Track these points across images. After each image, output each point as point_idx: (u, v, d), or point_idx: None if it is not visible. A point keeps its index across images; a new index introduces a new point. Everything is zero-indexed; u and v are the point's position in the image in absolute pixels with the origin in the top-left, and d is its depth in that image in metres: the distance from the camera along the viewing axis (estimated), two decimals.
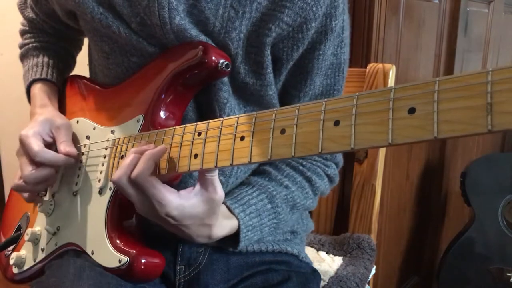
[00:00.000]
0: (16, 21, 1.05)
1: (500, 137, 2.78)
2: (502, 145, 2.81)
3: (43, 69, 0.96)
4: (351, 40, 0.89)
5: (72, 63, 1.07)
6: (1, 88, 1.58)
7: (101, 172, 0.81)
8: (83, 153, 0.87)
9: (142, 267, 0.72)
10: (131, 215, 0.79)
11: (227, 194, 0.83)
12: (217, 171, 0.68)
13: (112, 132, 0.82)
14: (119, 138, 0.80)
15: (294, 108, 0.55)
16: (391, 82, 1.25)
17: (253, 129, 0.58)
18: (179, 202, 0.68)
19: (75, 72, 1.06)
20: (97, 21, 0.79)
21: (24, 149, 0.83)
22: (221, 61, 0.74)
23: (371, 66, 1.27)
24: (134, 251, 0.73)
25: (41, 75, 0.96)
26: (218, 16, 0.76)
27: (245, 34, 0.78)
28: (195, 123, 0.67)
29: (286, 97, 0.87)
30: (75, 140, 0.90)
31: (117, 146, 0.79)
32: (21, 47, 1.03)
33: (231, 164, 0.60)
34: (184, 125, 0.68)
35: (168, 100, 0.78)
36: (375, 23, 1.49)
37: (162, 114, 0.78)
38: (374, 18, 1.48)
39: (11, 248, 0.97)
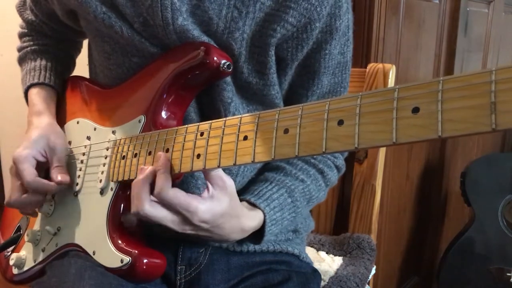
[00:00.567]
0: (16, 21, 1.05)
1: (500, 137, 2.78)
2: (502, 145, 2.81)
3: (40, 73, 0.96)
4: None
5: (71, 65, 1.07)
6: (1, 88, 1.58)
7: (102, 173, 0.80)
8: (83, 154, 0.87)
9: (144, 267, 0.72)
10: None
11: (243, 192, 0.83)
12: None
13: (113, 132, 0.82)
14: (120, 139, 0.80)
15: (297, 108, 0.55)
16: (391, 82, 1.25)
17: (256, 129, 0.58)
18: (206, 204, 0.68)
19: (75, 72, 1.06)
20: (99, 20, 0.79)
21: (17, 173, 0.84)
22: (223, 61, 0.74)
23: (371, 66, 1.27)
24: (136, 251, 0.73)
25: (38, 79, 0.95)
26: (222, 17, 0.76)
27: (248, 34, 0.78)
28: (198, 123, 0.67)
29: (294, 97, 0.87)
30: (75, 141, 0.90)
31: (118, 147, 0.79)
32: (19, 50, 1.03)
33: (234, 164, 0.60)
34: (186, 125, 0.68)
35: (169, 101, 0.78)
36: (375, 23, 1.49)
37: (163, 114, 0.78)
38: (374, 18, 1.48)
39: (10, 248, 0.97)
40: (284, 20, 0.77)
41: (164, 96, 0.77)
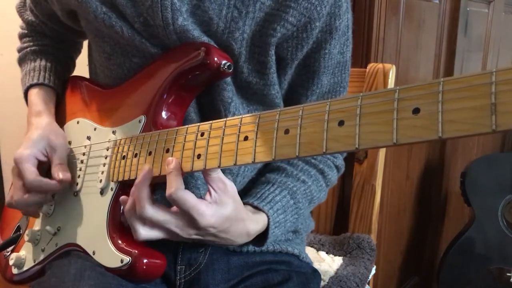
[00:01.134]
0: (16, 21, 1.05)
1: (500, 137, 2.78)
2: (502, 145, 2.81)
3: (40, 73, 0.96)
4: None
5: (71, 66, 1.07)
6: (1, 88, 1.58)
7: (102, 173, 0.80)
8: (84, 154, 0.87)
9: (144, 267, 0.72)
10: None
11: (247, 194, 0.83)
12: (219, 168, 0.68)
13: (114, 132, 0.82)
14: (121, 139, 0.80)
15: (298, 108, 0.55)
16: (391, 82, 1.25)
17: (257, 129, 0.58)
18: (213, 209, 0.68)
19: (75, 73, 1.06)
20: (100, 20, 0.79)
21: (19, 172, 0.84)
22: (223, 62, 0.74)
23: (371, 66, 1.27)
24: (136, 251, 0.73)
25: (38, 80, 0.95)
26: (222, 17, 0.76)
27: (248, 34, 0.78)
28: (198, 124, 0.67)
29: (294, 96, 0.87)
30: (75, 141, 0.90)
31: (118, 147, 0.79)
32: (19, 51, 1.03)
33: (235, 164, 0.60)
34: (187, 126, 0.68)
35: (170, 101, 0.78)
36: (375, 23, 1.49)
37: (163, 114, 0.78)
38: (374, 18, 1.48)
39: (10, 248, 0.97)
40: (284, 19, 0.77)
41: (165, 96, 0.77)
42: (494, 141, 2.74)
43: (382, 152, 1.29)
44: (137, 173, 0.73)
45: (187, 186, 0.80)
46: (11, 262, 0.92)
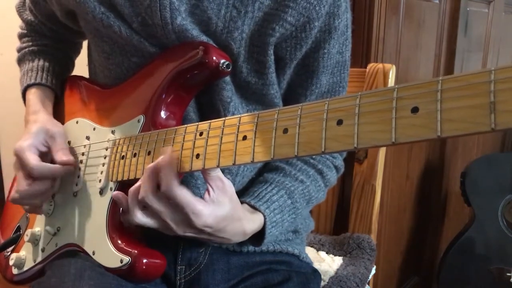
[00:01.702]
0: (16, 21, 1.05)
1: (500, 137, 2.78)
2: (502, 145, 2.81)
3: (37, 73, 0.96)
4: (351, 40, 0.89)
5: (70, 66, 1.07)
6: (1, 88, 1.58)
7: (101, 173, 0.80)
8: (83, 154, 0.87)
9: (144, 267, 0.72)
10: None
11: (242, 192, 0.83)
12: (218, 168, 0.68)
13: (113, 132, 0.82)
14: (120, 139, 0.80)
15: (296, 107, 0.54)
16: (391, 82, 1.25)
17: (256, 128, 0.58)
18: (210, 209, 0.67)
19: (74, 72, 1.06)
20: (98, 20, 0.79)
21: (21, 163, 0.84)
22: (222, 61, 0.74)
23: (371, 66, 1.27)
24: (136, 251, 0.72)
25: (35, 80, 0.95)
26: (221, 16, 0.76)
27: (247, 34, 0.78)
28: (197, 123, 0.67)
29: (293, 96, 0.87)
30: (75, 141, 0.90)
31: (117, 146, 0.79)
32: (18, 51, 1.03)
33: (234, 164, 0.60)
34: (185, 125, 0.68)
35: (168, 100, 0.78)
36: (375, 23, 1.49)
37: (162, 114, 0.77)
38: (374, 18, 1.48)
39: (10, 249, 0.97)
40: (283, 19, 0.77)
41: (163, 96, 0.77)
42: (494, 141, 2.73)
43: (382, 152, 1.29)
44: (136, 173, 0.73)
45: (187, 186, 0.80)
46: (11, 263, 0.92)
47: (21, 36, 1.05)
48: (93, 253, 0.78)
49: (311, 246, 1.30)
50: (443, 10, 1.96)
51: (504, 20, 2.54)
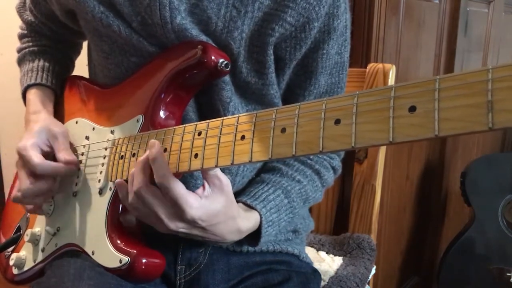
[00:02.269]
0: (16, 21, 1.05)
1: (500, 137, 2.78)
2: (502, 145, 2.81)
3: (37, 73, 0.96)
4: (350, 40, 0.89)
5: (70, 66, 1.07)
6: (1, 88, 1.58)
7: (101, 172, 0.80)
8: (82, 154, 0.87)
9: (143, 267, 0.72)
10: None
11: (241, 193, 0.83)
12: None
13: (112, 132, 0.82)
14: (119, 138, 0.80)
15: (294, 107, 0.54)
16: (391, 82, 1.25)
17: (254, 128, 0.58)
18: (200, 202, 0.68)
19: (74, 72, 1.06)
20: (97, 20, 0.79)
21: (23, 161, 0.84)
22: (221, 60, 0.74)
23: (371, 66, 1.27)
24: (135, 251, 0.73)
25: (36, 80, 0.95)
26: (220, 16, 0.76)
27: (247, 34, 0.78)
28: (195, 123, 0.67)
29: (291, 96, 0.87)
30: (74, 141, 0.90)
31: (116, 146, 0.79)
32: (18, 51, 1.03)
33: (232, 164, 0.60)
34: (184, 125, 0.68)
35: (167, 100, 0.78)
36: (375, 23, 1.49)
37: (162, 114, 0.77)
38: (374, 18, 1.48)
39: (11, 249, 0.97)
40: (283, 19, 0.77)
41: (162, 95, 0.77)
42: (494, 141, 2.73)
43: (382, 152, 1.29)
44: None
45: (187, 186, 0.80)
46: (11, 263, 0.92)
47: (21, 37, 1.05)
48: (93, 253, 0.78)
49: (311, 246, 1.30)
50: (443, 10, 1.96)
51: (504, 20, 2.54)
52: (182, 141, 0.67)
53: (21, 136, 0.89)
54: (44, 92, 0.95)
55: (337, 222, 1.46)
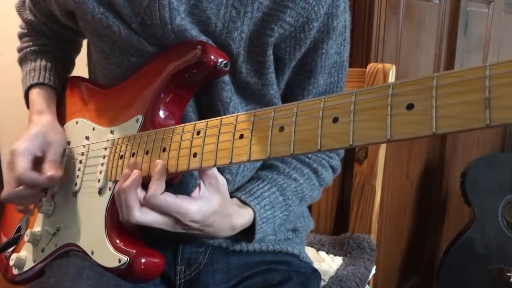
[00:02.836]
0: (16, 21, 1.05)
1: (500, 137, 2.78)
2: (502, 145, 2.81)
3: (40, 73, 0.96)
4: (351, 40, 0.90)
5: (71, 66, 1.07)
6: (1, 88, 1.58)
7: (100, 172, 0.81)
8: (82, 154, 0.87)
9: (142, 266, 0.72)
10: None
11: (237, 189, 0.83)
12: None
13: (112, 132, 0.82)
14: (118, 138, 0.80)
15: (293, 106, 0.55)
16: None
17: (252, 127, 0.58)
18: (197, 205, 0.69)
19: (74, 72, 1.06)
20: (97, 21, 0.79)
21: (12, 166, 0.84)
22: (220, 60, 0.74)
23: (371, 66, 1.27)
24: (134, 251, 0.73)
25: (38, 80, 0.96)
26: (220, 16, 0.76)
27: (246, 34, 0.78)
28: (194, 122, 0.67)
29: (290, 96, 0.88)
30: (74, 141, 0.90)
31: (116, 146, 0.79)
32: (19, 50, 1.03)
33: (230, 163, 0.60)
34: (183, 124, 0.68)
35: (167, 100, 0.78)
36: (375, 23, 1.49)
37: (161, 113, 0.78)
38: (374, 18, 1.48)
39: (11, 249, 0.97)
40: (282, 19, 0.77)
41: (162, 95, 0.77)
42: (494, 141, 2.73)
43: (382, 152, 1.29)
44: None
45: (187, 186, 0.80)
46: (11, 263, 0.92)
47: (21, 36, 1.05)
48: (92, 253, 0.78)
49: (311, 246, 1.30)
50: (443, 10, 1.96)
51: (504, 20, 2.54)
52: (181, 140, 0.67)
53: (21, 136, 0.89)
54: (47, 91, 0.96)
55: (337, 222, 1.46)
